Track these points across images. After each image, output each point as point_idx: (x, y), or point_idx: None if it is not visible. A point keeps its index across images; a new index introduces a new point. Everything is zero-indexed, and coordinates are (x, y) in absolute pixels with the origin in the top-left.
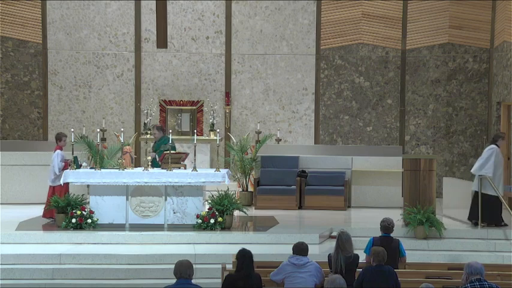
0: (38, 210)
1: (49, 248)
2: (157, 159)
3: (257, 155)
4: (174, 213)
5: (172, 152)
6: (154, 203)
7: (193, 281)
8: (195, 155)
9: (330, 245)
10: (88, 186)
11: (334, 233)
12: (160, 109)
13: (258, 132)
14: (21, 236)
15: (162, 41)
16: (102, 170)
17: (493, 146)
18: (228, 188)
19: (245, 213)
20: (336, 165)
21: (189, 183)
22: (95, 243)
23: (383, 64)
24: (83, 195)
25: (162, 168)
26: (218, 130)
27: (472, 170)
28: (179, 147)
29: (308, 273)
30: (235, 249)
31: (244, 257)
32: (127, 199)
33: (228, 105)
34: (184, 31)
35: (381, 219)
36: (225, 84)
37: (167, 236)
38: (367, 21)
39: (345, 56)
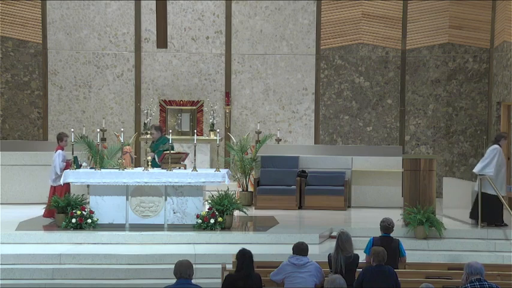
0: (38, 210)
1: (49, 248)
2: (157, 160)
3: (257, 155)
4: (174, 213)
5: (172, 152)
6: (154, 203)
7: (193, 281)
8: (195, 155)
9: (330, 245)
10: (88, 186)
11: (334, 233)
12: (160, 109)
13: (258, 132)
14: (21, 236)
15: (162, 41)
16: (102, 170)
17: (496, 146)
18: (228, 188)
19: (245, 213)
20: (336, 165)
21: (189, 183)
22: (95, 243)
23: (383, 64)
24: (83, 195)
25: (162, 168)
26: (218, 130)
27: (475, 171)
28: (179, 147)
29: (308, 273)
30: (235, 249)
31: (244, 257)
32: (127, 199)
33: (228, 105)
34: (184, 31)
35: (380, 219)
36: (225, 84)
37: (167, 236)
38: (367, 21)
39: (345, 56)
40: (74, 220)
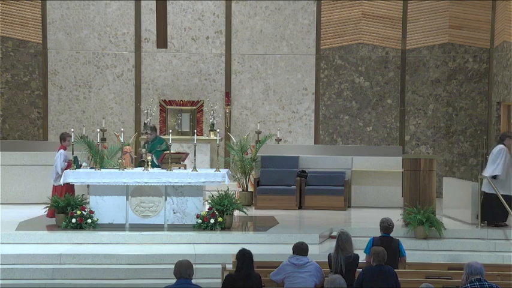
0: (38, 210)
1: (49, 248)
2: (155, 160)
3: (257, 155)
4: (174, 213)
5: (172, 152)
6: (154, 203)
7: (193, 281)
8: (195, 155)
9: (330, 245)
10: (88, 186)
11: (334, 233)
12: (160, 109)
13: (258, 132)
14: (21, 236)
15: (162, 41)
16: (102, 170)
17: (501, 146)
18: (228, 188)
19: (245, 213)
20: (336, 165)
21: (189, 183)
22: (95, 243)
23: (383, 64)
24: (83, 195)
25: (162, 168)
26: (218, 130)
27: (486, 175)
28: (179, 147)
29: (308, 273)
30: (235, 249)
31: (244, 257)
32: (127, 199)
33: (228, 105)
34: (184, 31)
35: (380, 219)
36: (225, 84)
37: (167, 236)
38: (367, 21)
39: (345, 56)
40: (74, 220)
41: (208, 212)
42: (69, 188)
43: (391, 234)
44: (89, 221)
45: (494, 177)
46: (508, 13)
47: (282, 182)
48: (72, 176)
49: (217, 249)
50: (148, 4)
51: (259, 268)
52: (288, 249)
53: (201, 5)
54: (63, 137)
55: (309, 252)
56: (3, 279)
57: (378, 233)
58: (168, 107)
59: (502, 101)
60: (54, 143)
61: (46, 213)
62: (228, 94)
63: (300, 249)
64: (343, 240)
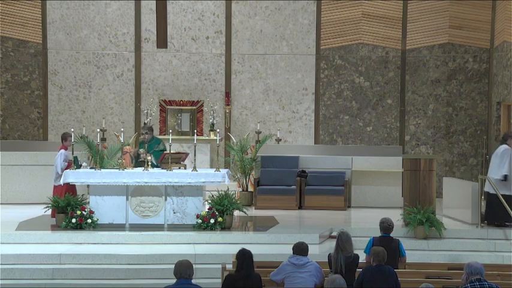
0: (38, 210)
1: (49, 248)
2: (153, 161)
3: (257, 155)
4: (174, 213)
5: (172, 152)
6: (154, 203)
7: (193, 281)
8: (195, 155)
9: (330, 245)
10: (88, 186)
11: (334, 233)
12: (160, 109)
13: (258, 132)
14: (21, 236)
15: (162, 41)
16: (102, 170)
17: (505, 146)
18: (228, 188)
19: (245, 213)
20: (336, 165)
21: (189, 183)
22: (95, 243)
23: (383, 64)
24: (83, 195)
25: (162, 168)
26: (218, 130)
27: (495, 176)
28: (179, 147)
29: (308, 273)
30: (235, 249)
31: (244, 256)
32: (127, 199)
33: (228, 105)
34: (184, 31)
35: (380, 219)
36: (225, 84)
37: (167, 236)
38: (367, 21)
39: (345, 56)
40: (74, 220)
41: (208, 212)
42: (70, 188)
43: (391, 234)
44: (89, 221)
45: (505, 177)
46: (508, 13)
47: (282, 182)
48: (72, 176)
49: (217, 249)
50: (148, 4)
51: (259, 268)
52: (288, 249)
53: (201, 5)
54: (65, 137)
55: (309, 252)
56: (3, 279)
57: (377, 233)
58: (168, 107)
59: (502, 101)
60: (54, 143)
61: (47, 212)
62: (228, 94)
63: (300, 249)
64: (343, 240)
